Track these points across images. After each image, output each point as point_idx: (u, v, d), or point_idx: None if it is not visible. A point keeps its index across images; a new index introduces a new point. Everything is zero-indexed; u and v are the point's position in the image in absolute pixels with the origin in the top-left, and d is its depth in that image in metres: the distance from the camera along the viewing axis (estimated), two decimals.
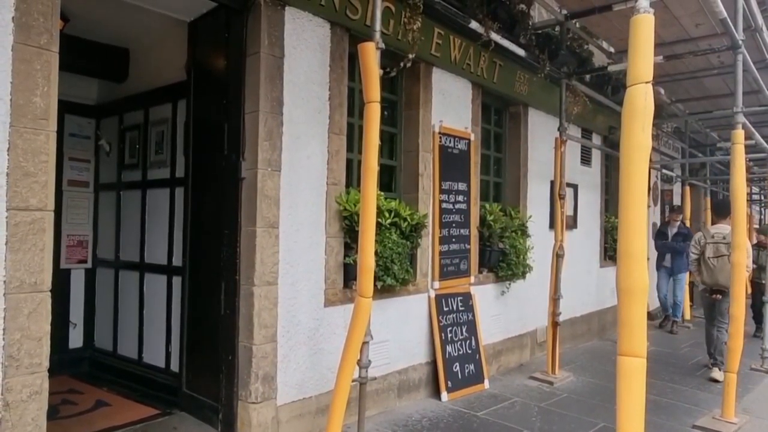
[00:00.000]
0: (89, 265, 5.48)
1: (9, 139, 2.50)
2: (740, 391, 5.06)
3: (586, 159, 7.88)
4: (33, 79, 2.55)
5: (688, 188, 10.35)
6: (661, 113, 8.96)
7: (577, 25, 5.95)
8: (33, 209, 2.56)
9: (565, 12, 5.44)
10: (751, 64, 5.38)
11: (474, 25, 4.89)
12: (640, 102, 2.50)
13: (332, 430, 3.37)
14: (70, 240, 5.37)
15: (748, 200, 13.92)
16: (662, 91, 7.93)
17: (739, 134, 4.68)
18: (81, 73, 5.09)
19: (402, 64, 4.06)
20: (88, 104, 5.48)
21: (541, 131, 6.67)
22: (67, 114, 5.29)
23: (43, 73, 2.59)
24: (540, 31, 5.94)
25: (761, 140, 6.16)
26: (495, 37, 5.08)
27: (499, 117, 6.50)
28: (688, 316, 9.65)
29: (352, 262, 4.17)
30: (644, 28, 2.54)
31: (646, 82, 2.51)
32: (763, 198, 17.74)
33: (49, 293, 2.67)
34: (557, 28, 5.96)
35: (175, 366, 4.41)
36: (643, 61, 2.53)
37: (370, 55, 3.37)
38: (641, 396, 2.51)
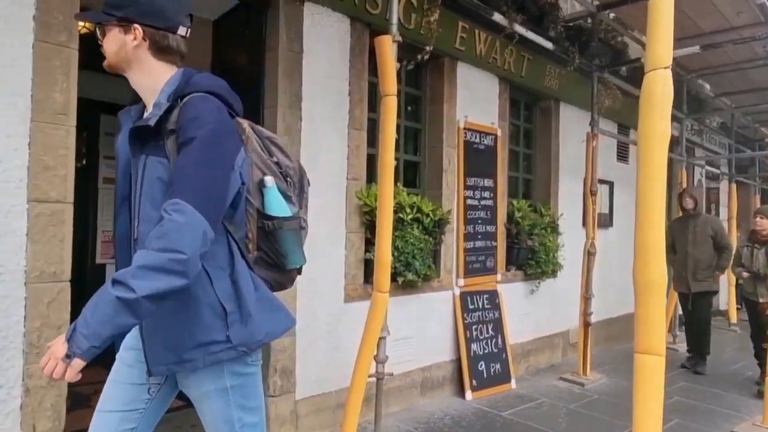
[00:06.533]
0: None
1: (30, 134, 2.59)
2: None
3: (623, 155, 7.62)
4: (53, 75, 2.64)
5: (735, 186, 9.87)
6: (704, 107, 8.59)
7: (611, 16, 5.75)
8: (52, 201, 2.64)
9: (596, 3, 5.27)
10: None
11: (498, 17, 4.79)
12: (659, 89, 2.39)
13: (347, 425, 3.36)
14: (105, 236, 5.54)
15: None
16: (707, 85, 7.60)
17: None
18: (116, 74, 5.24)
19: (420, 57, 4.01)
20: (123, 105, 5.62)
21: (573, 126, 6.49)
22: (103, 114, 5.47)
23: (62, 70, 2.67)
24: (571, 24, 5.77)
25: None
26: (519, 29, 4.95)
27: (529, 112, 6.36)
28: (734, 319, 9.27)
29: (372, 257, 4.14)
30: (663, 10, 2.42)
31: (665, 68, 2.39)
32: None
33: (69, 283, 2.74)
34: (589, 20, 5.79)
35: None
36: (661, 45, 2.41)
37: (386, 48, 3.36)
38: (659, 397, 2.41)
